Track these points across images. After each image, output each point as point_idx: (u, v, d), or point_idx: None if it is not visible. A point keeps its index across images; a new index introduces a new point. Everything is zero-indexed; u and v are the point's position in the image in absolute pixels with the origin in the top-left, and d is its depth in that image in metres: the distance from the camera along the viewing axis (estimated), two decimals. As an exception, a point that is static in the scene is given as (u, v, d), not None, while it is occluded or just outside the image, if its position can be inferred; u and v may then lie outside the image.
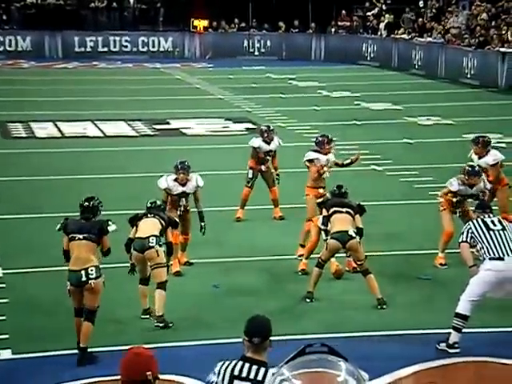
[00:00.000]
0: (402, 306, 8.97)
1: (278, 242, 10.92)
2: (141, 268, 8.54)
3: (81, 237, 7.73)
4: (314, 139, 11.04)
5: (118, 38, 34.44)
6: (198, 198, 10.04)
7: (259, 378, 4.53)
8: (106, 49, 34.25)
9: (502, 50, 25.63)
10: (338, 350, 3.32)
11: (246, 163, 12.25)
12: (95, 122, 19.94)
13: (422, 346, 7.82)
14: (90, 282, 7.53)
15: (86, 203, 8.03)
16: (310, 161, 10.65)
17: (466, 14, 30.23)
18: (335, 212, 9.06)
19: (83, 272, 7.56)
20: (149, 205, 8.88)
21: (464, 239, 7.99)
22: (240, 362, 4.60)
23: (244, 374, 4.56)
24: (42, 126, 19.53)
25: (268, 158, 12.06)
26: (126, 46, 34.52)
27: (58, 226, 8.01)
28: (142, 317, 8.51)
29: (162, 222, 8.65)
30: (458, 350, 7.69)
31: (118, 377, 4.33)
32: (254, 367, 4.57)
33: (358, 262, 8.99)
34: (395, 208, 12.89)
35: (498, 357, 7.58)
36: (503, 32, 26.79)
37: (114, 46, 34.41)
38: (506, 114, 21.17)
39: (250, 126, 19.83)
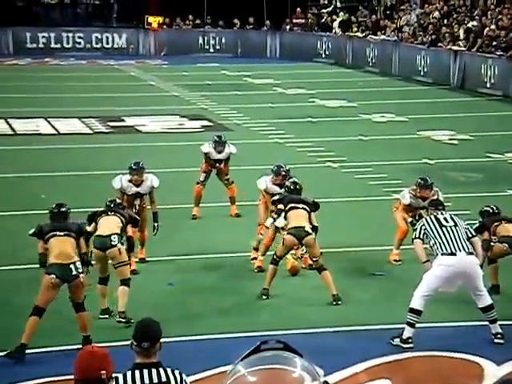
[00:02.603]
0: (356, 301, 9.05)
1: (234, 239, 10.92)
2: (100, 266, 8.49)
3: (61, 233, 7.75)
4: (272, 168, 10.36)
5: (70, 35, 34.05)
6: (153, 200, 10.04)
7: (163, 378, 4.48)
8: (58, 45, 33.85)
9: (454, 48, 26.00)
10: (293, 347, 3.34)
11: (201, 161, 12.22)
12: (48, 119, 19.71)
13: (376, 342, 7.90)
14: (79, 275, 7.54)
15: (56, 209, 8.04)
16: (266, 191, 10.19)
17: (418, 12, 30.59)
18: (292, 208, 9.11)
19: (72, 266, 7.55)
20: (108, 203, 8.86)
21: (417, 236, 8.09)
22: (137, 371, 4.49)
23: (147, 381, 4.46)
24: (-7, 123, 19.24)
25: (218, 164, 12.03)
26: (79, 43, 34.16)
27: (32, 231, 7.97)
28: (101, 316, 8.44)
29: (123, 219, 8.62)
30: (411, 345, 7.78)
31: (72, 376, 4.30)
32: (154, 370, 4.50)
33: (314, 259, 9.04)
34: (350, 205, 12.99)
35: (451, 351, 7.69)
36: (455, 30, 27.17)
37: (67, 43, 34.03)
38: (458, 111, 21.49)
39: (206, 123, 19.79)
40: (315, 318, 8.55)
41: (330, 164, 15.49)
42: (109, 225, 8.47)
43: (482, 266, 8.46)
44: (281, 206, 9.24)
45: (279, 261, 9.09)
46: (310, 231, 8.89)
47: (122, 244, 8.44)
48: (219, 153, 11.98)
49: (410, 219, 9.93)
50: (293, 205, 9.12)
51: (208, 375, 7.03)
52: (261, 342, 3.32)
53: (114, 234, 8.36)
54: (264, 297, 8.98)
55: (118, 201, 9.06)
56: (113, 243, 8.29)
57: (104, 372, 4.37)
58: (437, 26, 28.25)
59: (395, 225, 10.29)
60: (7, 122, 19.32)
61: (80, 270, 7.61)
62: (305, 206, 9.11)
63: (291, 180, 9.76)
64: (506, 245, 8.97)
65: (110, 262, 8.47)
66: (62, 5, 36.31)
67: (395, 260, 10.21)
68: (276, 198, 9.61)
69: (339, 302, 8.83)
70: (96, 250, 8.36)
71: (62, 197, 13.19)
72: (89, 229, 8.52)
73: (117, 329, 8.11)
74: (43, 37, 33.73)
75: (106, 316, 8.46)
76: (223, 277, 9.76)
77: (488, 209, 9.42)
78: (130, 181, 9.95)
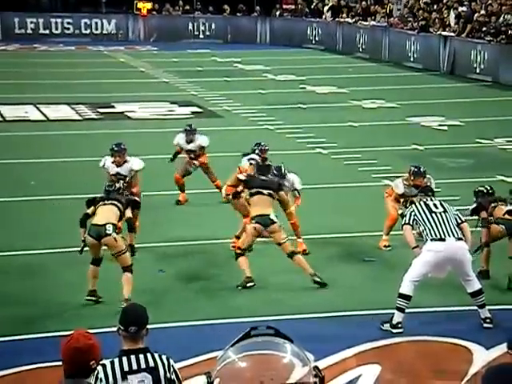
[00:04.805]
0: (346, 287, 9.08)
1: (219, 225, 10.90)
2: (93, 252, 8.50)
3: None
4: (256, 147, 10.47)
5: (59, 20, 33.86)
6: (134, 183, 10.08)
7: (151, 364, 4.47)
8: (47, 31, 33.66)
9: (444, 33, 26.00)
10: (284, 332, 3.35)
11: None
12: (37, 106, 19.62)
13: (365, 327, 7.93)
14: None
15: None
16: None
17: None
18: (257, 193, 9.11)
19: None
20: (107, 188, 8.88)
21: (407, 221, 8.12)
22: (124, 358, 4.48)
23: (135, 367, 4.45)
24: (-18, 109, 19.14)
25: (191, 155, 11.91)
26: (68, 29, 33.98)
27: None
28: (87, 298, 8.37)
29: (120, 206, 8.64)
30: (401, 330, 7.82)
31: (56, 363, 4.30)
32: (141, 356, 4.48)
33: (279, 245, 8.99)
34: (340, 191, 13.01)
35: (441, 335, 7.74)
36: (445, 16, 27.15)
37: (56, 28, 33.84)
38: (447, 97, 21.51)
39: (196, 109, 19.74)
40: (304, 302, 8.57)
41: (319, 150, 15.50)
42: (104, 214, 8.48)
43: (478, 250, 8.49)
44: (246, 190, 9.30)
45: (245, 251, 9.01)
46: (275, 219, 8.92)
47: (118, 233, 8.46)
48: (189, 142, 11.86)
49: (400, 211, 9.90)
50: (258, 190, 9.11)
51: (197, 361, 7.05)
52: (251, 328, 3.32)
53: (110, 223, 8.36)
54: (250, 284, 8.94)
55: (118, 185, 9.04)
56: (107, 232, 8.30)
57: (93, 362, 4.38)
58: (427, 11, 28.22)
59: (385, 211, 10.32)
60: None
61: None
62: (270, 192, 9.15)
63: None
64: (503, 226, 9.00)
65: (104, 248, 8.47)
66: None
67: (385, 246, 10.24)
68: (243, 177, 9.59)
69: (317, 279, 8.83)
70: (90, 238, 8.36)
71: (53, 183, 13.22)
72: (89, 211, 8.61)
73: (106, 315, 8.11)
74: (32, 22, 33.54)
75: (93, 298, 8.39)
76: (208, 263, 9.76)
77: (482, 189, 9.45)
78: (113, 162, 10.17)
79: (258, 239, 9.19)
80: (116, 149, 10.18)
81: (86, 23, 34.15)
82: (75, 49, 31.24)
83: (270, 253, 9.46)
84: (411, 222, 8.08)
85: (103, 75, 24.61)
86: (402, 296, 7.86)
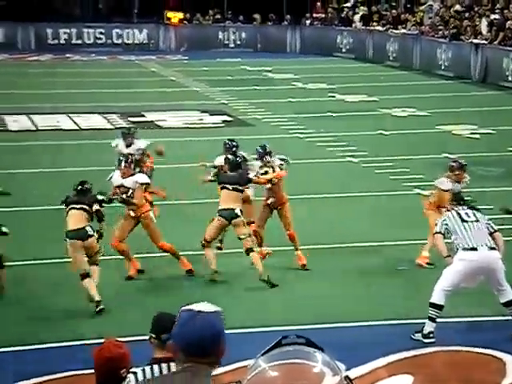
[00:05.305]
0: (378, 295, 9.02)
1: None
2: (77, 258, 8.68)
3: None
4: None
5: (91, 30, 34.20)
6: (134, 196, 9.65)
7: None
8: (79, 41, 34.01)
9: (476, 41, 25.81)
10: (314, 341, 3.34)
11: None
12: (69, 115, 19.81)
13: (397, 337, 7.88)
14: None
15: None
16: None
17: (438, 6, 30.39)
18: (223, 188, 9.47)
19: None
20: (79, 187, 9.05)
21: (438, 230, 8.06)
22: (155, 366, 4.46)
23: None
24: (14, 118, 19.36)
25: (128, 160, 11.45)
26: (100, 38, 34.29)
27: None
28: (98, 310, 8.48)
29: (87, 208, 8.86)
30: (433, 340, 7.76)
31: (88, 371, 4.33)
32: (172, 364, 4.37)
33: (240, 239, 9.25)
34: (371, 199, 12.95)
35: (473, 346, 7.66)
36: (477, 24, 26.96)
37: (88, 38, 34.17)
38: (479, 105, 21.33)
39: (226, 118, 19.80)
40: (334, 312, 8.53)
41: (350, 159, 15.45)
42: (76, 220, 8.78)
43: None
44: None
45: (211, 242, 9.34)
46: (239, 213, 9.24)
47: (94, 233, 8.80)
48: (128, 146, 11.51)
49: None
50: (224, 185, 9.44)
51: (227, 370, 7.05)
52: (282, 337, 3.32)
53: (87, 225, 8.74)
54: (216, 273, 9.17)
55: (87, 185, 9.15)
56: (90, 233, 8.70)
57: (124, 371, 4.41)
58: (458, 19, 28.05)
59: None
60: (29, 118, 19.45)
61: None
62: (236, 187, 9.41)
63: (236, 153, 9.88)
64: None
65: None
66: (83, 1, 36.46)
67: (428, 263, 9.72)
68: (213, 174, 9.73)
69: (266, 280, 8.99)
70: (73, 241, 8.65)
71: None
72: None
73: (133, 323, 8.15)
74: (64, 33, 33.91)
75: (102, 307, 8.49)
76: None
77: None
78: (120, 175, 9.83)
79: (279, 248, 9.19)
80: (124, 160, 9.79)
81: (117, 33, 34.45)
82: (107, 58, 31.52)
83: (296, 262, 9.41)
84: (443, 231, 8.02)
85: (134, 84, 24.79)
86: (433, 305, 7.79)
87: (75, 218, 8.76)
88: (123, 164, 9.82)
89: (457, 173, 9.83)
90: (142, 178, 9.98)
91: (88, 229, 8.73)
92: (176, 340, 3.01)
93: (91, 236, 8.71)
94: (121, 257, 9.54)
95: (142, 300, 8.83)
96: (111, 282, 9.21)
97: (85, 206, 8.84)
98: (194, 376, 3.00)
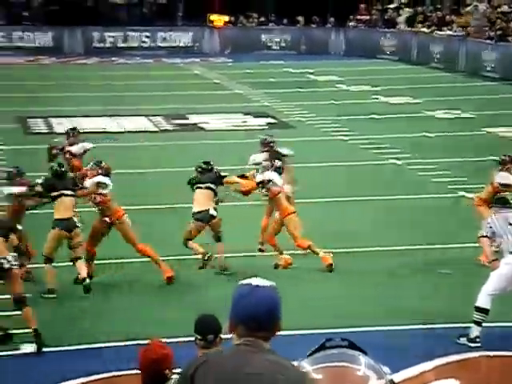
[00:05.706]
0: (421, 299, 8.95)
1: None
2: (55, 246, 8.87)
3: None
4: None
5: (137, 34, 34.53)
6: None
7: None
8: (125, 44, 34.37)
9: (523, 42, 25.45)
10: (358, 344, 3.33)
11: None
12: (115, 118, 20.03)
13: (442, 340, 7.80)
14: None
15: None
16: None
17: (484, 7, 30.02)
18: (197, 188, 9.59)
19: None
20: (58, 171, 9.21)
21: (484, 234, 7.97)
22: None
23: None
24: (61, 121, 19.64)
25: (72, 159, 11.37)
26: (145, 42, 34.61)
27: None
28: (43, 295, 8.73)
29: (73, 198, 9.04)
30: (478, 344, 7.67)
31: (134, 371, 4.38)
32: None
33: (215, 233, 9.42)
34: (415, 202, 12.85)
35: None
36: (524, 24, 26.59)
37: (134, 42, 34.52)
38: (526, 107, 21.03)
39: (270, 120, 19.83)
40: (378, 315, 8.48)
41: (394, 161, 15.35)
42: (67, 207, 8.94)
43: None
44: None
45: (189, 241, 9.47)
46: (215, 214, 9.41)
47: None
48: (71, 145, 11.48)
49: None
50: (198, 185, 9.59)
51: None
52: (326, 340, 3.32)
53: (73, 216, 8.94)
54: (209, 256, 9.30)
55: (64, 169, 9.36)
56: (78, 224, 8.93)
57: (167, 371, 4.46)
58: (504, 20, 27.68)
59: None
60: (75, 120, 19.70)
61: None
62: (209, 185, 9.54)
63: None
64: None
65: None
66: (129, 5, 36.82)
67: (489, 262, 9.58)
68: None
69: (206, 260, 9.25)
70: (58, 230, 8.84)
71: (127, 194, 13.44)
72: (40, 189, 9.06)
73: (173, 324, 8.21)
74: (110, 36, 34.30)
75: (54, 295, 8.75)
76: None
77: None
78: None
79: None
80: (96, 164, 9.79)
81: (162, 36, 34.74)
82: (152, 61, 31.80)
83: (338, 267, 9.38)
84: (488, 234, 7.93)
85: (178, 87, 24.97)
86: (478, 309, 7.71)
87: (65, 206, 8.96)
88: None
89: (508, 166, 9.75)
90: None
91: (75, 219, 8.96)
92: (236, 313, 3.05)
93: (78, 227, 8.94)
94: (148, 259, 9.52)
95: (180, 299, 8.87)
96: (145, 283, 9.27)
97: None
98: (254, 351, 3.02)
